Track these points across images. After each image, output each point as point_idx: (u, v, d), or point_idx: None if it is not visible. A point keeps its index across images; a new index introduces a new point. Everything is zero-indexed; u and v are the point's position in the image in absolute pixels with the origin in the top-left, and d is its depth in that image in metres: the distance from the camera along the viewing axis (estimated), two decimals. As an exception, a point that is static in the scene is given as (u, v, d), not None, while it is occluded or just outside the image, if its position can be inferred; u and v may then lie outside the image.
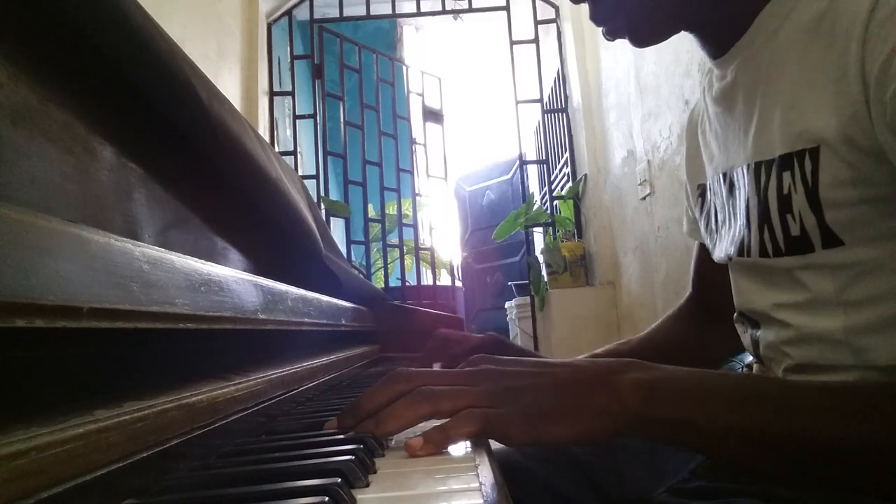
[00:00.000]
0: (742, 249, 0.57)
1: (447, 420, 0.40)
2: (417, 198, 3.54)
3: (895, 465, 0.38)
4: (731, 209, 0.60)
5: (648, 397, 0.40)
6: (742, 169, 0.56)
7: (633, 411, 0.40)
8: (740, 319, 0.63)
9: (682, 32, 0.60)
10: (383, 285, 3.44)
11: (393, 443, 0.43)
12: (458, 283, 3.97)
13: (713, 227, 0.66)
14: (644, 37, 0.57)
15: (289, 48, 3.10)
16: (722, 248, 0.62)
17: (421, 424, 0.42)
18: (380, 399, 0.42)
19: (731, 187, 0.60)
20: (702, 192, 0.70)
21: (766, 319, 0.57)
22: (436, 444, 0.39)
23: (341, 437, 0.41)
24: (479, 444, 0.41)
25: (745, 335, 0.63)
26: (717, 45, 0.58)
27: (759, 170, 0.53)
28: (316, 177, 3.05)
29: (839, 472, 0.40)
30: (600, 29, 0.58)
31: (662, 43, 0.59)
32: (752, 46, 0.54)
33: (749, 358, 0.82)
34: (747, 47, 0.54)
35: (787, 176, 0.49)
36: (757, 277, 0.57)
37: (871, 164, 0.43)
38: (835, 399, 0.41)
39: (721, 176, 0.62)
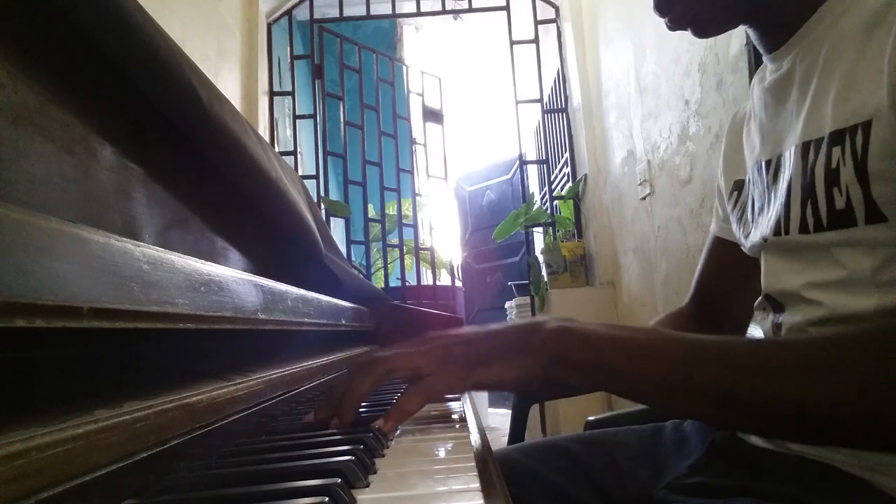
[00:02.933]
0: (779, 228, 0.57)
1: (399, 397, 0.46)
2: (417, 198, 3.54)
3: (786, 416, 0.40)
4: (771, 194, 0.60)
5: (566, 340, 0.46)
6: (790, 151, 0.57)
7: (553, 352, 0.46)
8: (763, 304, 0.63)
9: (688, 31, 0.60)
10: (383, 285, 3.43)
11: (393, 443, 0.43)
12: (458, 283, 3.96)
13: (748, 217, 0.66)
14: (706, 27, 0.58)
15: (289, 48, 3.10)
16: (757, 233, 0.62)
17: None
18: (342, 386, 0.48)
19: (776, 172, 0.59)
20: (738, 186, 0.70)
21: (794, 300, 0.57)
22: (395, 419, 0.45)
23: (341, 437, 0.41)
24: (479, 443, 0.41)
25: (766, 321, 0.62)
26: (775, 37, 0.58)
27: (807, 149, 0.53)
28: (316, 177, 3.05)
29: (737, 418, 0.43)
30: (664, 20, 0.60)
31: (663, 43, 0.59)
32: (810, 36, 0.54)
33: None
34: (806, 37, 0.55)
35: (836, 150, 0.49)
36: (791, 257, 0.57)
37: None
38: (733, 351, 0.43)
39: (764, 164, 0.62)
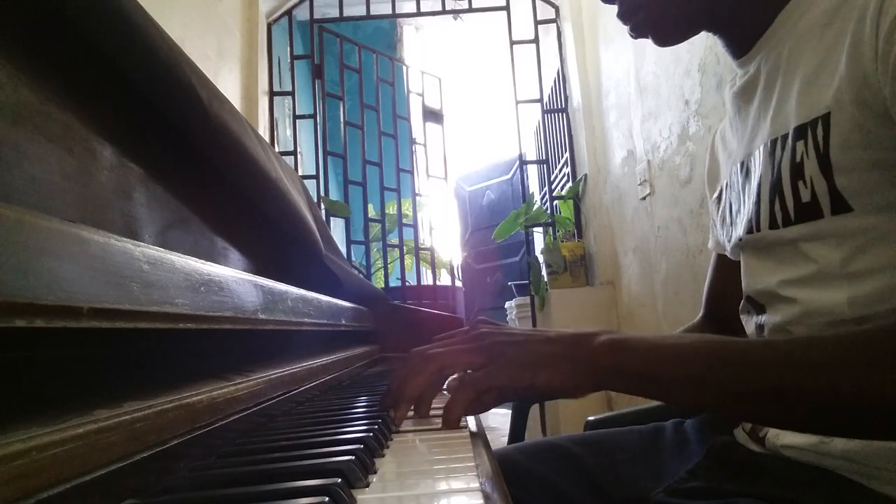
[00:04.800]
0: (751, 226, 0.58)
1: (449, 400, 0.48)
2: (417, 198, 3.54)
3: (834, 409, 0.39)
4: (745, 196, 0.61)
5: (618, 353, 0.47)
6: (759, 151, 0.58)
7: (605, 364, 0.47)
8: (746, 307, 0.63)
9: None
10: (383, 285, 3.43)
11: (393, 443, 0.43)
12: (458, 283, 3.96)
13: (728, 221, 0.67)
14: (665, 35, 0.59)
15: (289, 48, 3.10)
16: (735, 235, 0.63)
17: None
18: (401, 379, 0.51)
19: (748, 173, 0.61)
20: (719, 194, 0.71)
21: (772, 300, 0.57)
22: (451, 423, 0.47)
23: (341, 437, 0.41)
24: (478, 443, 0.41)
25: (750, 323, 0.63)
26: (741, 44, 0.59)
27: (774, 146, 0.54)
28: (316, 177, 3.05)
29: (784, 415, 0.43)
30: (627, 28, 0.61)
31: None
32: (773, 40, 0.56)
33: None
34: (768, 42, 0.56)
35: (800, 145, 0.50)
36: (764, 255, 0.58)
37: (881, 125, 0.44)
38: (793, 349, 0.43)
39: (738, 167, 0.63)
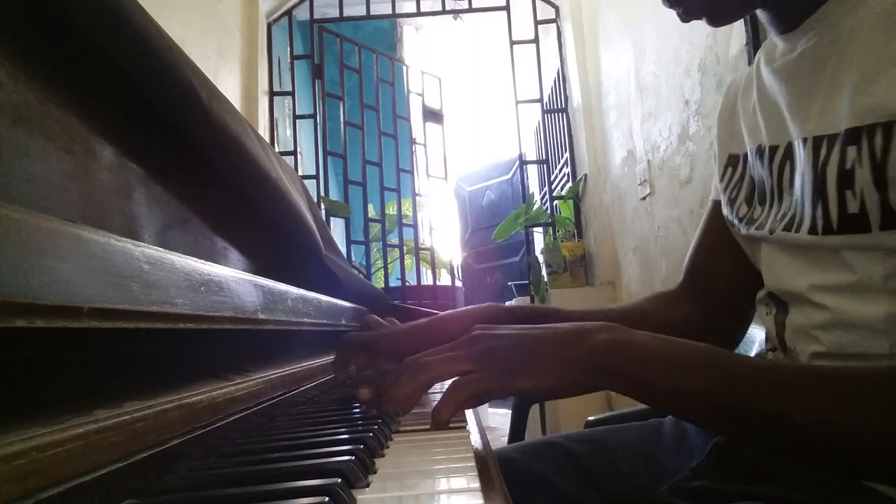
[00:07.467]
0: (790, 226, 0.54)
1: (438, 401, 0.46)
2: (417, 198, 3.53)
3: (843, 448, 0.39)
4: (776, 185, 0.58)
5: (615, 355, 0.44)
6: (799, 142, 0.54)
7: (600, 365, 0.44)
8: (766, 300, 0.60)
9: (693, 24, 0.59)
10: (383, 285, 3.43)
11: (393, 443, 0.44)
12: (458, 283, 3.96)
13: (743, 199, 0.63)
14: (721, 15, 0.57)
15: (289, 48, 3.10)
16: (758, 224, 0.59)
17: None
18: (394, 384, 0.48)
19: (783, 162, 0.57)
20: (732, 162, 0.67)
21: (798, 301, 0.54)
22: (440, 424, 0.45)
23: (341, 437, 0.41)
24: (478, 442, 0.41)
25: (769, 318, 0.60)
26: (790, 19, 0.56)
27: (818, 144, 0.50)
28: (316, 177, 3.05)
29: (790, 446, 0.42)
30: (675, 10, 0.58)
31: (663, 43, 0.59)
32: (827, 21, 0.52)
33: (755, 349, 0.80)
34: (822, 21, 0.52)
35: (851, 150, 0.46)
36: (797, 255, 0.54)
37: None
38: (795, 378, 0.42)
39: (768, 149, 0.59)
